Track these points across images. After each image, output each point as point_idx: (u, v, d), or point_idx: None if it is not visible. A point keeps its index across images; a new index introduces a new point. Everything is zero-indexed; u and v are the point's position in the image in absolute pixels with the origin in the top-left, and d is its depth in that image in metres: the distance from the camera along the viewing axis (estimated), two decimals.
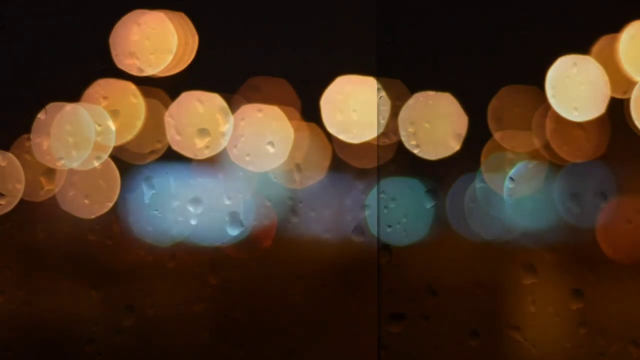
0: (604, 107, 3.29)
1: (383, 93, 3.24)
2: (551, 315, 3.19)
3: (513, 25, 3.21)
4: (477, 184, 3.27)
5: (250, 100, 3.38)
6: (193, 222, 3.30)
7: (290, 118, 3.39)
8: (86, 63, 3.34)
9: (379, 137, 3.27)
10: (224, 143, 3.38)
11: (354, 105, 3.37)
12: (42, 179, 3.37)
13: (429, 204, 3.21)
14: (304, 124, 3.40)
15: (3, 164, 3.36)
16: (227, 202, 3.30)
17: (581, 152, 3.29)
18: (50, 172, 3.37)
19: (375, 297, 3.13)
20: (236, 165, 3.37)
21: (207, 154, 3.37)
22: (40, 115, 3.35)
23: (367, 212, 3.27)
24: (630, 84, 3.31)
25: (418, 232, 3.22)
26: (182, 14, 3.42)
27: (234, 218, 3.28)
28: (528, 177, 3.27)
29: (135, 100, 3.41)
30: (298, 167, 3.36)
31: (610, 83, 3.30)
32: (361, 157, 3.34)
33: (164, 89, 3.41)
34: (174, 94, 3.39)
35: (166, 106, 3.40)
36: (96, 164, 3.37)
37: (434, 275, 3.17)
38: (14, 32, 3.37)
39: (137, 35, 3.41)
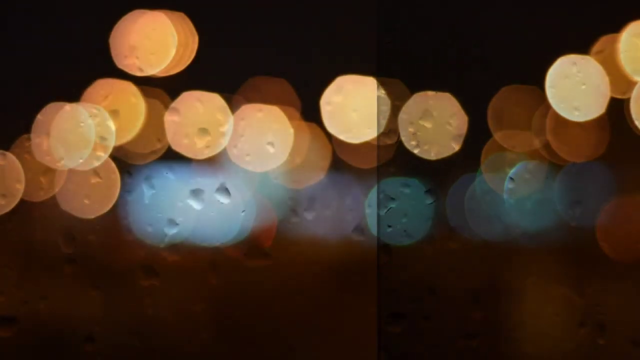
0: (604, 107, 3.29)
1: (383, 93, 3.24)
2: (551, 315, 3.19)
3: (513, 25, 3.21)
4: (477, 184, 3.27)
5: (250, 100, 3.38)
6: (193, 222, 3.30)
7: (290, 118, 3.39)
8: (86, 63, 3.34)
9: (379, 137, 3.27)
10: (224, 143, 3.38)
11: (354, 105, 3.37)
12: (42, 179, 3.37)
13: (428, 204, 3.21)
14: (304, 124, 3.40)
15: (3, 163, 3.36)
16: (227, 202, 3.30)
17: (581, 152, 3.29)
18: (50, 172, 3.37)
19: (375, 297, 3.13)
20: (236, 165, 3.37)
21: (207, 153, 3.37)
22: (40, 115, 3.35)
23: (367, 212, 3.27)
24: (630, 84, 3.31)
25: (418, 232, 3.22)
26: (182, 14, 3.42)
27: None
28: (528, 177, 3.27)
29: (135, 100, 3.41)
30: (298, 167, 3.36)
31: (610, 83, 3.31)
32: (361, 157, 3.34)
33: (164, 89, 3.41)
34: (174, 94, 3.39)
35: (166, 106, 3.40)
36: (96, 164, 3.37)
37: (434, 275, 3.17)
38: (14, 32, 3.37)
39: (137, 35, 3.40)
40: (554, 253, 3.22)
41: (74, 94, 3.36)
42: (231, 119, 3.38)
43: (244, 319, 3.30)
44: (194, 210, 3.30)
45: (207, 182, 3.35)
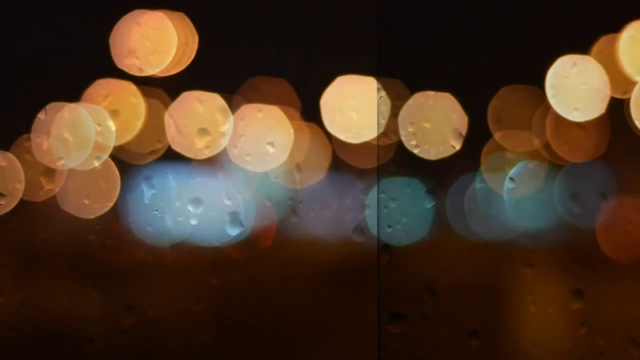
0: (604, 107, 3.29)
1: (383, 93, 3.24)
2: (551, 315, 3.19)
3: (513, 25, 3.21)
4: (477, 184, 3.27)
5: (250, 100, 3.38)
6: (193, 222, 3.30)
7: (290, 118, 3.40)
8: (86, 63, 3.34)
9: (379, 137, 3.27)
10: (224, 143, 3.38)
11: (354, 105, 3.37)
12: (42, 179, 3.37)
13: (429, 204, 3.21)
14: (304, 124, 3.40)
15: (3, 164, 3.36)
16: (227, 202, 3.30)
17: (581, 152, 3.29)
18: (50, 172, 3.37)
19: (375, 297, 3.13)
20: (236, 165, 3.37)
21: (207, 154, 3.37)
22: (40, 115, 3.35)
23: (367, 212, 3.27)
24: (630, 84, 3.31)
25: (418, 232, 3.22)
26: (182, 14, 3.43)
27: (234, 218, 3.28)
28: (528, 177, 3.27)
29: (135, 100, 3.41)
30: (298, 167, 3.36)
31: (610, 83, 3.30)
32: (361, 157, 3.34)
33: (164, 89, 3.41)
34: (174, 94, 3.39)
35: (166, 106, 3.40)
36: (96, 164, 3.37)
37: (434, 275, 3.17)
38: (14, 32, 3.37)
39: (137, 35, 3.41)
40: (554, 253, 3.22)
41: (74, 94, 3.37)
42: (231, 119, 3.38)
43: (244, 319, 3.30)
44: (196, 210, 3.30)
45: (207, 183, 3.35)
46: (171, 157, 3.36)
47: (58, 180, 3.38)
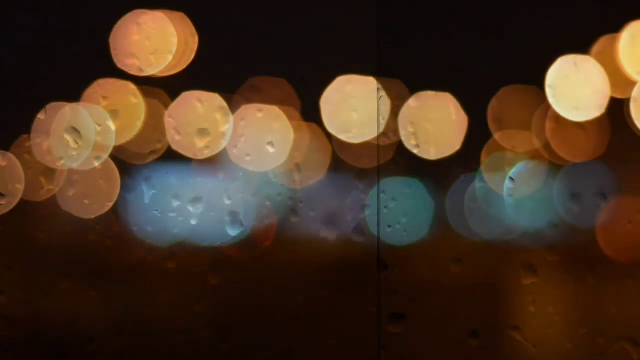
0: (604, 107, 3.29)
1: (383, 93, 3.24)
2: (551, 315, 3.19)
3: (513, 26, 3.21)
4: (477, 184, 3.27)
5: (250, 100, 3.38)
6: (193, 222, 3.30)
7: (290, 118, 3.39)
8: (86, 63, 3.34)
9: (379, 137, 3.27)
10: (224, 143, 3.38)
11: (354, 105, 3.37)
12: (42, 179, 3.37)
13: (429, 204, 3.21)
14: (304, 124, 3.40)
15: (3, 164, 3.36)
16: (227, 202, 3.30)
17: (581, 152, 3.29)
18: (50, 172, 3.37)
19: (375, 297, 3.13)
20: (236, 165, 3.37)
21: (207, 154, 3.37)
22: (40, 115, 3.35)
23: (367, 212, 3.27)
24: (630, 84, 3.31)
25: (418, 232, 3.22)
26: (182, 14, 3.43)
27: (234, 218, 3.28)
28: (528, 177, 3.28)
29: (135, 100, 3.41)
30: (298, 167, 3.36)
31: (610, 83, 3.30)
32: (361, 157, 3.34)
33: (164, 89, 3.41)
34: (174, 94, 3.39)
35: (166, 106, 3.40)
36: (96, 164, 3.37)
37: (434, 275, 3.17)
38: (14, 32, 3.37)
39: (137, 35, 3.41)
40: (553, 253, 3.22)
41: (74, 94, 3.37)
42: (231, 119, 3.38)
43: (244, 319, 3.30)
44: (196, 210, 3.30)
45: (207, 183, 3.35)
46: (171, 157, 3.36)
47: (58, 180, 3.38)
